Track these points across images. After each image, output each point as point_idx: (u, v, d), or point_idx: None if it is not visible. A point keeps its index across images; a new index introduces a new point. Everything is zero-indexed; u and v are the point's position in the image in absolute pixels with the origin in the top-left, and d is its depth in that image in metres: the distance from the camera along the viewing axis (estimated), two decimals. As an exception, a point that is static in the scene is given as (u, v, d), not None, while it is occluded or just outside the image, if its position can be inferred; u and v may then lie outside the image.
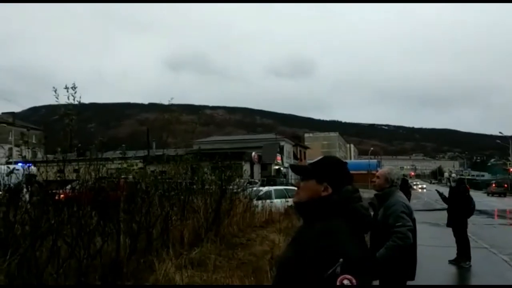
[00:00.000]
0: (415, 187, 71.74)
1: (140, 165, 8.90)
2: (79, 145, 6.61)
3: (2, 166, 5.44)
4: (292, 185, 33.03)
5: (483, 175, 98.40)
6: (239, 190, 12.04)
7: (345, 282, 1.56)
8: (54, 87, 5.50)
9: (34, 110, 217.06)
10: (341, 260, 1.60)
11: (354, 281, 1.56)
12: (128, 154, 8.42)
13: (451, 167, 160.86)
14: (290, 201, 16.90)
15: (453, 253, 9.28)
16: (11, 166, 5.49)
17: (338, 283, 1.56)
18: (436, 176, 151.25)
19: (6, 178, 4.97)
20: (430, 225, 16.18)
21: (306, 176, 1.98)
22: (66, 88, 5.36)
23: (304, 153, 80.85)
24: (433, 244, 11.16)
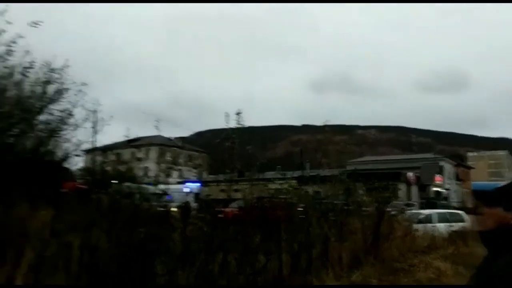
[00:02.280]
0: None
1: (296, 185, 9.14)
2: (240, 166, 7.09)
3: (178, 186, 6.06)
4: (454, 208, 30.45)
5: None
6: (396, 212, 11.58)
7: None
8: (226, 112, 6.08)
9: (199, 134, 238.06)
10: None
11: None
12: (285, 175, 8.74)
13: None
14: (455, 226, 15.64)
15: None
16: (182, 186, 6.08)
17: None
18: None
19: (180, 195, 5.56)
20: None
21: (491, 202, 1.83)
22: (237, 113, 5.87)
23: (468, 173, 74.18)
24: None
